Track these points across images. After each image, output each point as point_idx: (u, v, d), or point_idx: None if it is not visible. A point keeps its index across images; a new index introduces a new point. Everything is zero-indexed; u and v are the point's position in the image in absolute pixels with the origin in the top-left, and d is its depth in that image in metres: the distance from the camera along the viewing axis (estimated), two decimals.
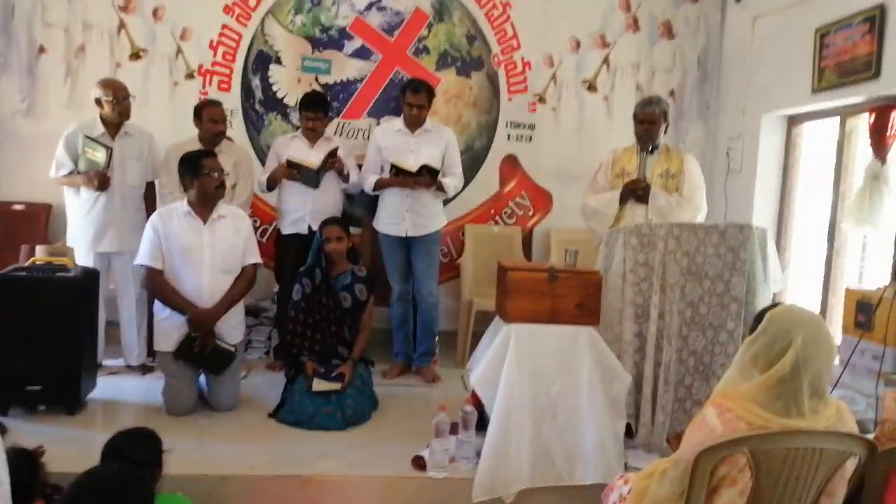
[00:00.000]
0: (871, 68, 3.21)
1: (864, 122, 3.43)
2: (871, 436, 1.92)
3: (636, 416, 2.87)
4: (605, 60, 4.72)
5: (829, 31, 3.53)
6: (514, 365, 2.67)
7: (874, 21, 3.23)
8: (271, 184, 3.85)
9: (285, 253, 3.92)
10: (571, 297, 2.75)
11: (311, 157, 3.78)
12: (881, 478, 1.79)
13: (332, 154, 3.75)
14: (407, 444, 2.85)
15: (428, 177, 3.64)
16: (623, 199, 3.31)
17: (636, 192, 3.28)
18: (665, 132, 3.39)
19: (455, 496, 2.61)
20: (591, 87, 4.72)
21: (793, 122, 4.07)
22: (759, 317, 1.99)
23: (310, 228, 3.78)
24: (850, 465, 1.68)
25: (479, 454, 2.65)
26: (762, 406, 1.64)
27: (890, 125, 3.13)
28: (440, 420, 2.70)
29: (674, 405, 2.83)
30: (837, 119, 3.68)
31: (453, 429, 2.79)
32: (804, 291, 3.80)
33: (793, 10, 3.84)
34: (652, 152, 3.35)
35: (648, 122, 3.32)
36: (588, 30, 4.68)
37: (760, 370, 1.69)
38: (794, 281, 3.89)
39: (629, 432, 2.80)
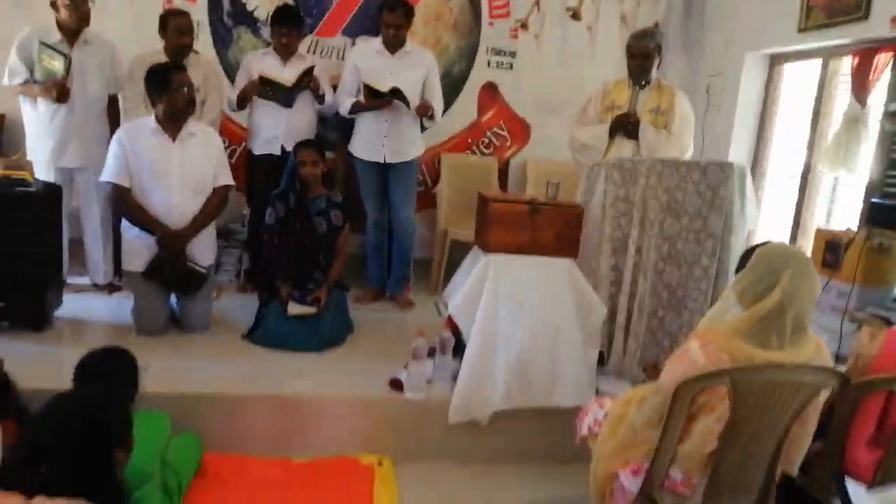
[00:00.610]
0: (860, 9, 3.18)
1: (846, 65, 3.44)
2: (842, 368, 2.00)
3: (609, 344, 2.94)
4: None
5: None
6: (493, 294, 2.68)
7: None
8: (242, 102, 3.70)
9: (256, 174, 3.81)
10: (552, 229, 2.75)
11: (284, 74, 3.63)
12: (850, 407, 1.88)
13: (308, 73, 3.61)
14: (383, 366, 2.87)
15: (400, 95, 3.52)
16: (612, 133, 3.27)
17: (626, 126, 3.25)
18: (658, 67, 3.33)
19: (432, 417, 2.67)
20: (576, 16, 4.60)
21: (776, 61, 4.05)
22: (748, 254, 2.03)
23: (283, 149, 3.67)
24: (823, 396, 1.75)
25: (455, 378, 2.70)
26: (745, 339, 1.68)
27: (873, 68, 3.14)
28: (418, 344, 2.72)
29: (645, 335, 2.90)
30: (820, 61, 3.67)
31: (430, 353, 2.82)
32: (775, 230, 3.89)
33: None
34: (644, 87, 3.30)
35: (642, 55, 3.25)
36: None
37: (746, 305, 1.73)
38: (765, 220, 3.96)
39: (601, 359, 2.87)
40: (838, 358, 2.38)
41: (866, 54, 3.18)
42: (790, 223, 3.76)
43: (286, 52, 3.71)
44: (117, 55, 3.59)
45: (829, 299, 2.70)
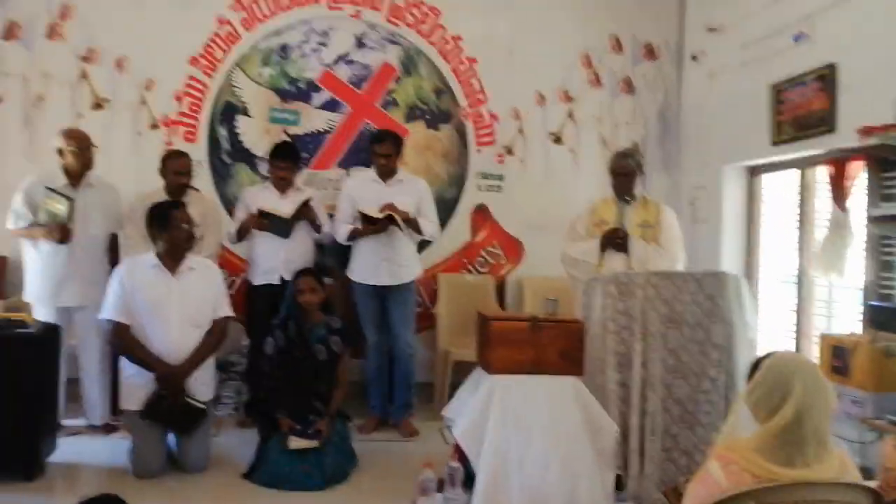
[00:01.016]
0: (826, 123, 3.38)
1: (823, 172, 3.59)
2: (872, 484, 1.93)
3: (625, 467, 2.83)
4: (570, 114, 4.84)
5: (784, 88, 3.71)
6: (500, 418, 2.63)
7: (825, 79, 3.41)
8: (242, 234, 3.78)
9: (256, 304, 3.82)
10: (555, 346, 2.74)
11: (282, 206, 3.74)
12: None
13: (306, 204, 3.72)
14: (390, 502, 2.74)
15: (394, 220, 3.62)
16: (603, 248, 3.34)
17: (615, 240, 3.33)
18: (642, 184, 3.47)
19: None
20: (558, 140, 4.83)
21: (754, 172, 4.23)
22: (755, 366, 2.01)
23: (282, 279, 3.71)
24: None
25: None
26: (767, 457, 1.63)
27: (847, 176, 3.28)
28: (426, 478, 2.62)
29: (661, 455, 2.81)
30: (798, 171, 3.83)
31: (439, 486, 2.70)
32: (776, 339, 3.88)
33: (747, 68, 4.03)
34: (630, 203, 3.42)
35: (624, 174, 3.40)
36: (552, 84, 4.81)
37: (762, 420, 1.69)
38: (765, 327, 3.97)
39: (619, 484, 2.76)
40: (864, 470, 2.30)
41: (839, 163, 3.33)
42: (791, 329, 3.77)
43: (284, 185, 3.84)
44: (119, 196, 3.70)
45: (843, 406, 2.66)
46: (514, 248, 4.80)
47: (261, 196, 3.83)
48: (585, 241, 3.42)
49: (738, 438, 1.73)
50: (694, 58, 4.67)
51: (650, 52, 4.89)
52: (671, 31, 4.88)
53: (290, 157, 3.86)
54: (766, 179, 4.19)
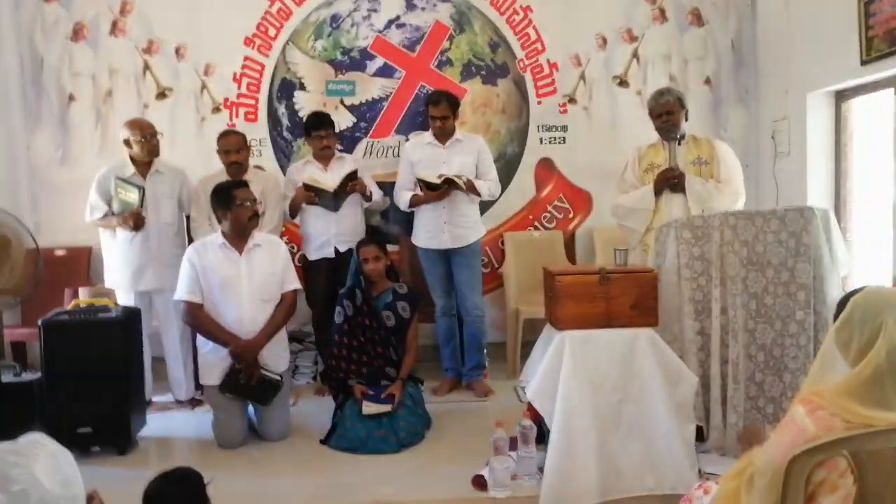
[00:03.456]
0: None
1: None
2: None
3: (706, 418, 2.70)
4: (635, 54, 4.58)
5: None
6: (571, 374, 2.53)
7: None
8: (293, 210, 3.82)
9: (314, 278, 3.86)
10: (626, 298, 2.61)
11: (327, 178, 3.74)
12: None
13: (352, 177, 3.70)
14: (465, 463, 2.73)
15: (454, 184, 3.56)
16: (657, 191, 3.15)
17: (671, 181, 3.12)
18: (686, 119, 3.25)
19: None
20: (623, 83, 4.58)
21: (841, 97, 3.86)
22: (842, 304, 1.83)
23: (336, 251, 3.73)
24: None
25: (541, 469, 2.52)
26: (859, 401, 1.47)
27: None
28: (498, 437, 2.57)
29: (746, 404, 2.65)
30: (892, 91, 3.46)
31: (512, 445, 2.66)
32: (869, 276, 3.57)
33: None
34: (679, 142, 3.20)
35: (666, 112, 3.19)
36: (613, 25, 4.56)
37: (852, 361, 1.53)
38: (859, 263, 3.65)
39: (700, 436, 2.62)
40: None
41: None
42: (887, 265, 3.45)
43: (326, 155, 3.84)
44: (187, 180, 3.80)
45: None
46: (581, 200, 4.62)
47: (305, 171, 3.85)
48: (638, 189, 3.23)
49: (827, 383, 1.58)
50: None
51: None
52: None
53: (325, 125, 3.84)
54: (856, 104, 3.82)
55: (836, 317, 1.83)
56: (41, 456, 0.85)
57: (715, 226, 2.75)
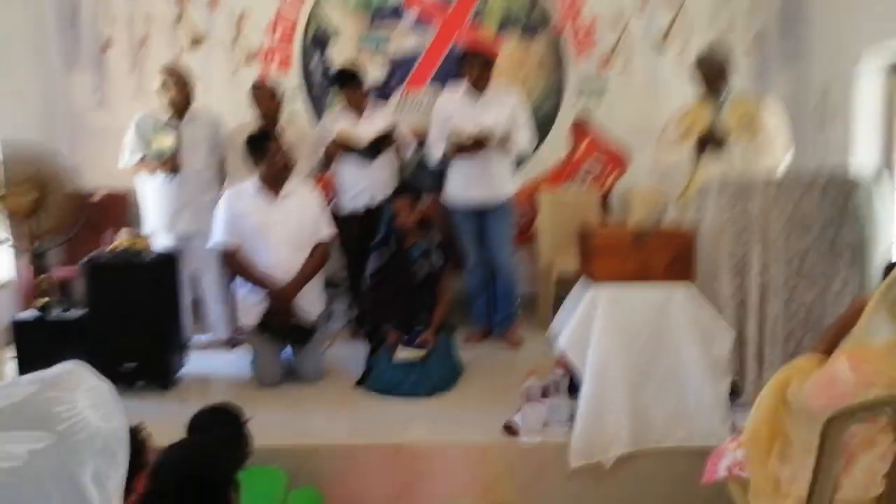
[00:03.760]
0: None
1: None
2: None
3: (742, 373, 2.69)
4: (680, 8, 4.44)
5: None
6: (604, 327, 2.54)
7: None
8: (328, 163, 3.82)
9: (348, 228, 3.86)
10: (662, 255, 2.59)
11: (359, 130, 3.74)
12: None
13: (388, 137, 3.68)
14: (496, 409, 2.76)
15: (481, 145, 3.53)
16: (700, 151, 3.09)
17: (713, 142, 3.06)
18: (730, 79, 3.17)
19: (550, 462, 2.52)
20: (665, 39, 4.47)
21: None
22: (891, 266, 1.81)
23: (367, 207, 3.76)
24: None
25: (572, 417, 2.54)
26: None
27: None
28: (530, 385, 2.60)
29: (783, 361, 2.62)
30: None
31: (544, 393, 2.68)
32: None
33: None
34: (723, 102, 3.13)
35: (713, 70, 3.12)
36: None
37: None
38: None
39: (735, 391, 2.62)
40: None
41: None
42: None
43: (357, 107, 3.82)
44: (221, 127, 3.81)
45: None
46: (618, 159, 4.56)
47: (338, 121, 3.84)
48: (679, 148, 3.17)
49: (871, 340, 1.56)
50: None
51: None
52: None
53: (352, 81, 3.81)
54: None
55: (884, 277, 1.79)
56: (82, 388, 0.81)
57: (759, 186, 2.71)
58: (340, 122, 3.83)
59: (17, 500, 0.70)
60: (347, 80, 3.82)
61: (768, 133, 3.09)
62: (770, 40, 4.42)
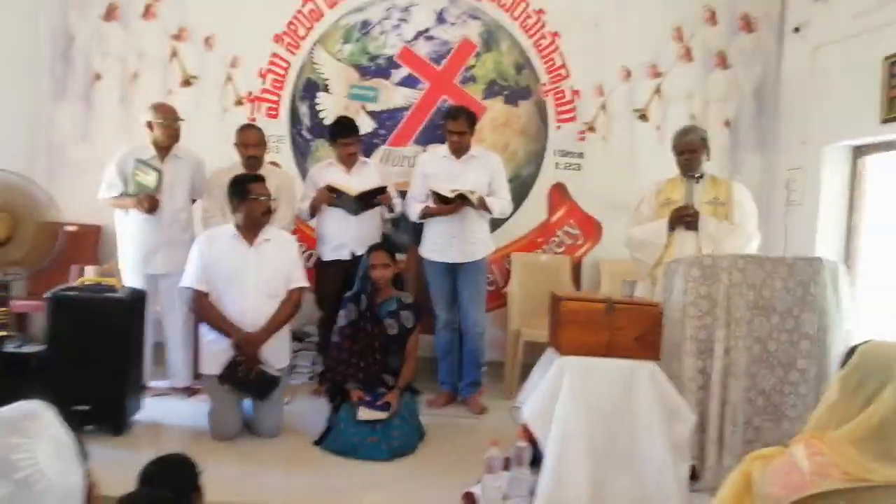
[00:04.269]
0: None
1: None
2: None
3: (701, 458, 2.70)
4: (657, 90, 4.63)
5: None
6: (569, 400, 2.54)
7: None
8: (314, 211, 3.84)
9: (326, 279, 3.87)
10: (630, 329, 2.62)
11: (350, 182, 3.76)
12: None
13: (381, 191, 3.72)
14: (455, 478, 2.73)
15: (466, 200, 3.57)
16: (672, 227, 3.18)
17: (685, 218, 3.16)
18: (707, 159, 3.29)
19: None
20: (643, 117, 4.63)
21: (859, 152, 3.90)
22: (850, 353, 1.85)
23: (352, 254, 3.74)
24: None
25: (532, 492, 2.52)
26: (863, 450, 1.48)
27: None
28: (492, 455, 2.57)
29: (742, 448, 2.65)
30: None
31: (505, 464, 2.66)
32: (876, 331, 3.58)
33: (857, 39, 3.71)
34: (697, 180, 3.24)
35: (689, 150, 3.24)
36: (639, 59, 4.61)
37: (856, 410, 1.54)
38: (864, 320, 3.67)
39: (693, 475, 2.62)
40: None
41: None
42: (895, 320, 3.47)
43: (349, 160, 3.86)
44: (202, 168, 3.83)
45: None
46: (592, 229, 4.65)
47: (327, 173, 3.86)
48: (653, 222, 3.26)
49: (828, 428, 1.59)
50: (797, 30, 4.34)
51: (748, 24, 4.58)
52: (772, 1, 4.55)
53: (353, 132, 3.86)
54: (873, 160, 3.86)
55: (842, 365, 1.84)
56: (45, 436, 0.79)
57: (724, 267, 2.77)
58: (331, 173, 3.85)
59: None
60: (346, 130, 3.84)
61: (739, 216, 3.19)
62: (741, 126, 4.60)
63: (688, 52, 4.61)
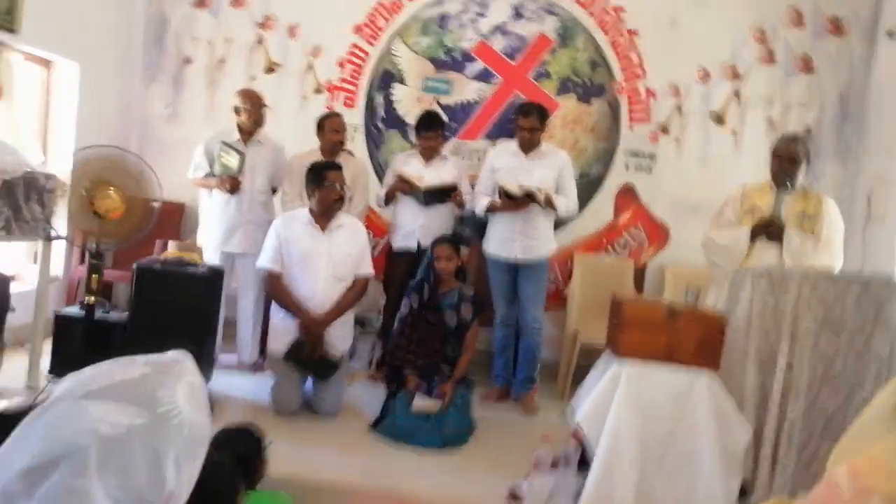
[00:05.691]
0: None
1: None
2: None
3: (753, 473, 2.65)
4: (736, 93, 4.50)
5: None
6: (623, 404, 2.54)
7: None
8: (389, 198, 3.94)
9: (394, 267, 3.98)
10: (691, 336, 2.60)
11: (426, 174, 3.83)
12: None
13: (449, 191, 3.79)
14: (502, 473, 2.78)
15: (534, 198, 3.59)
16: (754, 236, 3.09)
17: (769, 229, 3.06)
18: (805, 173, 3.14)
19: None
20: (719, 120, 4.52)
21: None
22: None
23: (419, 244, 3.82)
24: None
25: (578, 495, 2.54)
26: None
27: None
28: (541, 453, 2.62)
29: (797, 468, 2.59)
30: None
31: (554, 464, 2.69)
32: None
33: None
34: (788, 191, 3.13)
35: (789, 159, 3.08)
36: (718, 60, 4.49)
37: None
38: None
39: (743, 491, 2.59)
40: None
41: None
42: None
43: (430, 154, 3.94)
44: (282, 155, 3.99)
45: None
46: (658, 233, 4.59)
47: (407, 163, 3.95)
48: (733, 228, 3.16)
49: (881, 450, 1.56)
50: (891, 34, 4.13)
51: (836, 27, 4.39)
52: (863, 3, 4.34)
53: (436, 126, 3.94)
54: None
55: None
56: (184, 380, 0.88)
57: (795, 280, 2.70)
58: (409, 163, 3.95)
59: (112, 463, 0.79)
60: (428, 125, 3.93)
61: (825, 233, 3.04)
62: (823, 133, 4.42)
63: (770, 54, 4.46)
